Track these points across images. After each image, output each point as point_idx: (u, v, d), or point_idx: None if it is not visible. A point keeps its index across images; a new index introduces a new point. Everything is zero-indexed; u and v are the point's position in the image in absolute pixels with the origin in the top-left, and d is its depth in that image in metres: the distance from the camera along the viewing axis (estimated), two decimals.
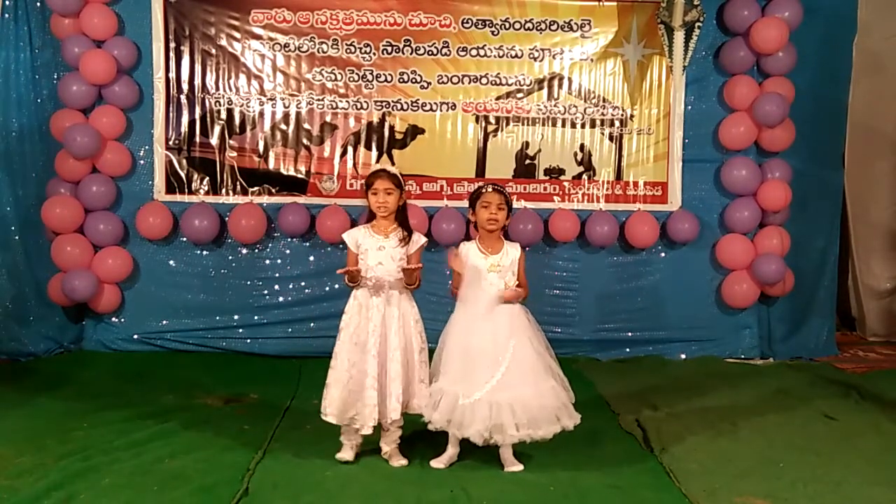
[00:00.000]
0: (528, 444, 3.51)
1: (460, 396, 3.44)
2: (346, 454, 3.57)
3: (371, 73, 5.65)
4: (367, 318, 3.53)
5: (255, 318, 5.68)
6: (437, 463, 3.53)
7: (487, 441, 3.44)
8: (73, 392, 4.59)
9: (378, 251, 3.57)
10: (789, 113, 5.52)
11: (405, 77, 5.66)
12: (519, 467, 3.50)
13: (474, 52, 5.68)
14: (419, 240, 3.68)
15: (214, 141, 5.63)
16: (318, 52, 5.62)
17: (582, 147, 5.79)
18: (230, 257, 5.70)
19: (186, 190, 5.62)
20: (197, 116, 5.62)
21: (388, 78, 5.66)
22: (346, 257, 3.68)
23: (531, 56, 5.72)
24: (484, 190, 3.62)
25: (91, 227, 5.44)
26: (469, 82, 5.70)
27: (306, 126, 5.67)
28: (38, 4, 5.44)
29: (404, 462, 3.56)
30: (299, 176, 5.68)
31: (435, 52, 5.65)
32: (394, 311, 3.55)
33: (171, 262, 5.67)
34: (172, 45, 5.56)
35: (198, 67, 5.59)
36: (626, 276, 5.85)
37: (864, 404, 4.62)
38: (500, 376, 3.43)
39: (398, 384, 3.49)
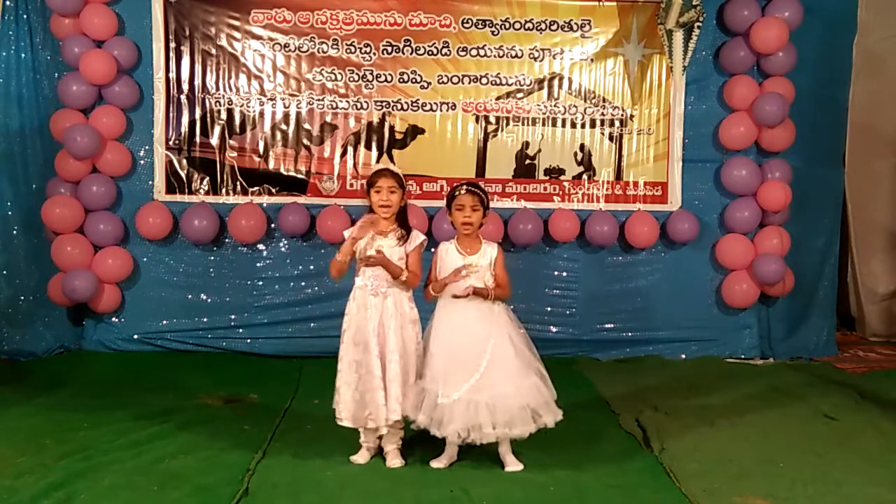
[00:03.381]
0: (528, 444, 3.51)
1: (440, 395, 3.44)
2: (362, 457, 3.57)
3: (371, 73, 5.65)
4: (367, 318, 3.52)
5: (255, 318, 5.68)
6: (437, 463, 3.53)
7: (465, 440, 3.45)
8: (73, 392, 4.59)
9: (376, 252, 3.54)
10: (789, 113, 5.52)
11: (405, 77, 5.66)
12: (519, 467, 3.51)
13: (474, 52, 5.68)
14: (417, 238, 3.63)
15: (214, 141, 5.63)
16: (318, 52, 5.62)
17: (582, 147, 5.79)
18: (230, 257, 5.70)
19: (186, 190, 5.62)
20: (197, 116, 5.62)
21: (388, 78, 5.66)
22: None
23: (531, 56, 5.72)
24: (458, 192, 3.59)
25: (91, 227, 5.44)
26: (469, 82, 5.70)
27: (306, 126, 5.67)
28: (39, 4, 5.43)
29: (401, 463, 3.55)
30: (299, 176, 5.68)
31: (435, 52, 5.65)
32: (391, 311, 3.53)
33: (171, 262, 5.67)
34: (172, 45, 5.56)
35: (198, 67, 5.59)
36: (626, 276, 5.85)
37: (864, 404, 4.61)
38: (478, 376, 3.43)
39: (397, 385, 3.48)
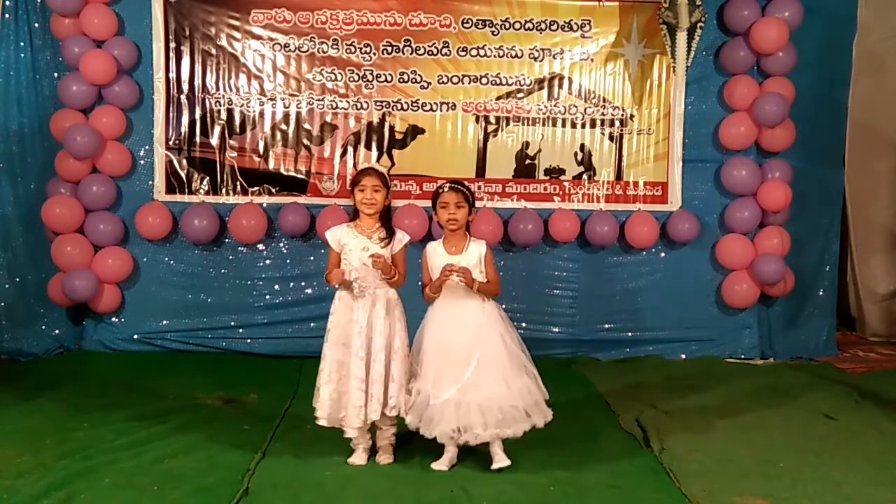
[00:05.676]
0: (529, 444, 3.51)
1: (430, 396, 3.45)
2: (360, 458, 3.57)
3: (371, 73, 5.65)
4: (353, 319, 3.52)
5: (255, 318, 5.68)
6: (439, 465, 3.52)
7: (456, 441, 3.45)
8: (73, 392, 4.59)
9: (362, 251, 3.55)
10: (789, 113, 5.52)
11: (405, 77, 5.66)
12: (507, 462, 3.46)
13: (474, 52, 5.68)
14: (403, 238, 3.65)
15: (214, 141, 5.63)
16: (318, 52, 5.62)
17: (582, 147, 5.79)
18: (230, 257, 5.70)
19: (186, 190, 5.62)
20: (197, 116, 5.62)
21: (388, 78, 5.66)
22: (328, 256, 3.65)
23: (531, 56, 5.72)
24: (441, 190, 3.60)
25: (91, 227, 5.44)
26: (469, 82, 5.70)
27: (306, 126, 5.67)
28: (39, 4, 5.43)
29: (390, 460, 3.57)
30: (299, 176, 5.68)
31: (435, 52, 5.65)
32: (379, 311, 3.53)
33: (171, 262, 5.68)
34: (172, 45, 5.56)
35: (198, 67, 5.59)
36: (626, 276, 5.84)
37: (864, 404, 4.61)
38: (469, 376, 3.43)
39: (379, 386, 3.48)
